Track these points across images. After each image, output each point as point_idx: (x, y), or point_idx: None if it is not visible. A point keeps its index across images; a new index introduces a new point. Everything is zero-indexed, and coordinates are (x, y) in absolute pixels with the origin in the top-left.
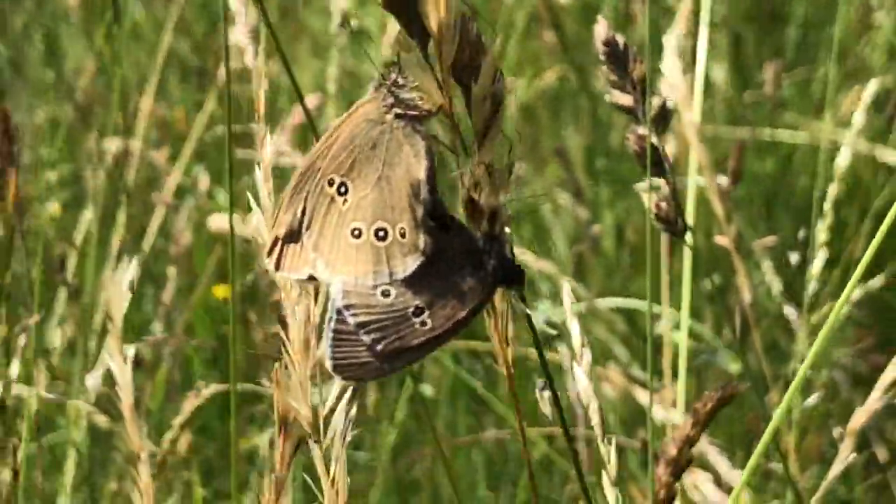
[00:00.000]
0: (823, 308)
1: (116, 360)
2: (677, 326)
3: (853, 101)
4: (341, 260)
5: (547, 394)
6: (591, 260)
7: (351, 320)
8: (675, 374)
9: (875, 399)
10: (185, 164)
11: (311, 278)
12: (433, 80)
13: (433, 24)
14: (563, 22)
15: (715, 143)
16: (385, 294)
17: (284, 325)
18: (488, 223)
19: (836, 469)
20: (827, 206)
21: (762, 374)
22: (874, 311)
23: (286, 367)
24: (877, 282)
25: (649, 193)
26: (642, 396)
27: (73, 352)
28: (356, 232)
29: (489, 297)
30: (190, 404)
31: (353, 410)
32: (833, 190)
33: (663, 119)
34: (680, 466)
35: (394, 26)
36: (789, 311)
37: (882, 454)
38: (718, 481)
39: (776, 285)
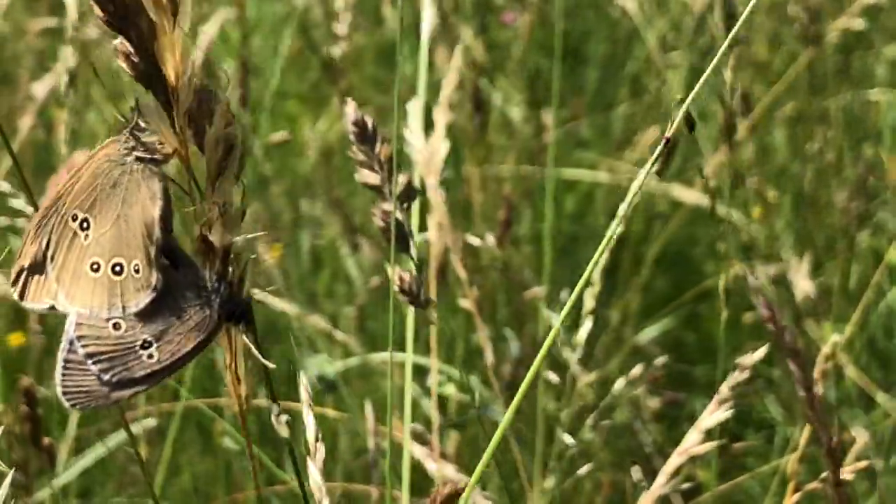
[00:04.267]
0: (590, 375)
1: None
2: (449, 380)
3: (648, 140)
4: (80, 292)
5: (284, 418)
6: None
7: (81, 350)
8: (454, 427)
9: (659, 485)
10: None
11: (52, 308)
12: (169, 126)
13: (170, 71)
14: (363, 64)
15: (516, 182)
16: (116, 326)
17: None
18: (220, 262)
19: None
20: (595, 275)
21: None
22: (671, 347)
23: None
24: (671, 322)
25: (393, 267)
26: (416, 449)
27: None
28: (95, 266)
29: (214, 333)
30: None
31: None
32: (603, 259)
33: (408, 196)
34: None
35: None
36: (551, 375)
37: None
38: None
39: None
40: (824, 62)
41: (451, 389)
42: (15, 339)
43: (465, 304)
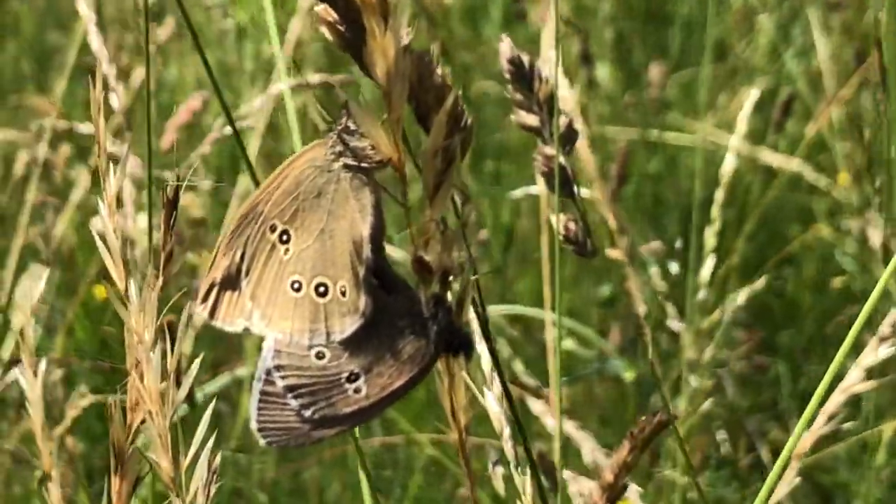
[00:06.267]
0: (713, 314)
1: (28, 376)
2: (569, 334)
3: (735, 102)
4: (278, 313)
5: (500, 470)
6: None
7: (280, 382)
8: (568, 382)
9: (820, 425)
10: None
11: (246, 331)
12: (381, 130)
13: (380, 72)
14: (449, 22)
15: (600, 144)
16: (319, 356)
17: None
18: (438, 285)
19: (782, 492)
20: (714, 211)
21: (656, 380)
22: (756, 313)
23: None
24: (760, 284)
25: (558, 215)
26: (534, 404)
27: None
28: (296, 285)
29: (430, 366)
30: (71, 414)
31: (217, 460)
32: (720, 195)
33: (570, 139)
34: (616, 493)
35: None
36: (673, 322)
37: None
38: None
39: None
40: None
41: (569, 344)
42: (101, 292)
43: (615, 254)
